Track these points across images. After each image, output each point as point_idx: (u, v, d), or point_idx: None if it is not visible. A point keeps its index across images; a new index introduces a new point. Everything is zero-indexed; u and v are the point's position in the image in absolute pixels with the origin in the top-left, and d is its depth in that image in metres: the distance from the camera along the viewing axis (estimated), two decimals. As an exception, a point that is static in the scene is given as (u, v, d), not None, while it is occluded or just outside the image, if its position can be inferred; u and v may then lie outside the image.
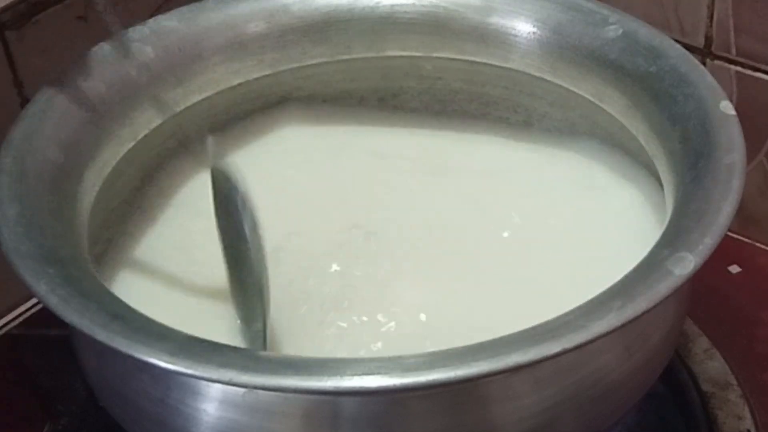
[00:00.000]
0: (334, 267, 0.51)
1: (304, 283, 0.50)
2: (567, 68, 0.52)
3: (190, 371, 0.36)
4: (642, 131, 0.49)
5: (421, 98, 0.58)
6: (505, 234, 0.52)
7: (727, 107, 0.46)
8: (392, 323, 0.48)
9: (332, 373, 0.36)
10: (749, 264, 0.61)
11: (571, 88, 0.53)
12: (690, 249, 0.39)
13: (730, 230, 0.41)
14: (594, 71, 0.51)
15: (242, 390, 0.39)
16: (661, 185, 0.47)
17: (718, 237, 0.40)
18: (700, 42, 0.59)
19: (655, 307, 0.38)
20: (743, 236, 0.63)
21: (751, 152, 0.59)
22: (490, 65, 0.55)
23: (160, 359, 0.37)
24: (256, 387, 0.37)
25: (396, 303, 0.49)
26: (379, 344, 0.47)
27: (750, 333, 0.57)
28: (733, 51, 0.59)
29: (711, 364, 0.54)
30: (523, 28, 0.53)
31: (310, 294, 0.49)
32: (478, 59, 0.55)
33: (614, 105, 0.51)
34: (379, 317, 0.48)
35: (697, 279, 0.40)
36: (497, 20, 0.54)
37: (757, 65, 0.58)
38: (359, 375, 0.36)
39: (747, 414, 0.52)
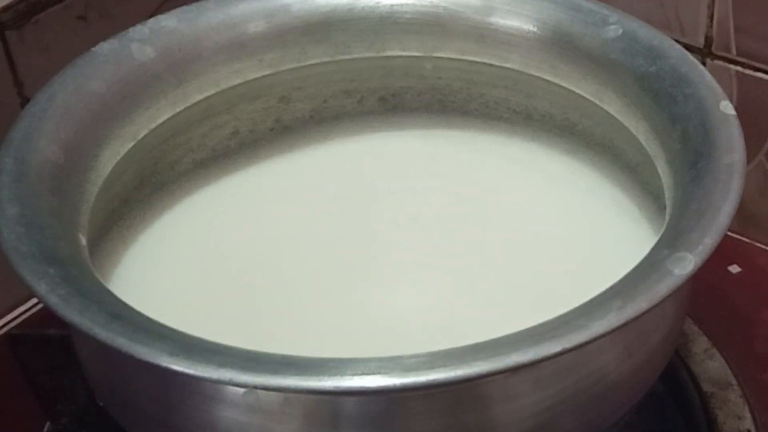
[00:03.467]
0: (334, 267, 0.51)
1: (303, 281, 0.50)
2: (567, 68, 0.52)
3: (190, 371, 0.36)
4: (642, 131, 0.49)
5: (421, 98, 0.58)
6: (506, 234, 0.52)
7: (727, 107, 0.46)
8: (393, 323, 0.48)
9: (332, 373, 0.36)
10: (749, 264, 0.61)
11: (571, 88, 0.53)
12: (690, 249, 0.39)
13: (730, 230, 0.41)
14: (594, 71, 0.51)
15: (242, 390, 0.39)
16: (660, 186, 0.47)
17: (718, 237, 0.40)
18: (700, 42, 0.59)
19: (655, 307, 0.38)
20: (743, 236, 0.63)
21: (751, 152, 0.59)
22: (490, 65, 0.55)
23: (160, 359, 0.37)
24: (256, 387, 0.37)
25: (396, 303, 0.49)
26: (380, 344, 0.47)
27: (750, 333, 0.57)
28: (733, 51, 0.59)
29: (711, 364, 0.54)
30: (523, 28, 0.53)
31: (309, 293, 0.49)
32: (478, 59, 0.55)
33: (614, 105, 0.51)
34: (380, 317, 0.48)
35: (697, 279, 0.40)
36: (497, 20, 0.54)
37: (757, 65, 0.58)
38: (359, 375, 0.36)
39: (747, 414, 0.52)
